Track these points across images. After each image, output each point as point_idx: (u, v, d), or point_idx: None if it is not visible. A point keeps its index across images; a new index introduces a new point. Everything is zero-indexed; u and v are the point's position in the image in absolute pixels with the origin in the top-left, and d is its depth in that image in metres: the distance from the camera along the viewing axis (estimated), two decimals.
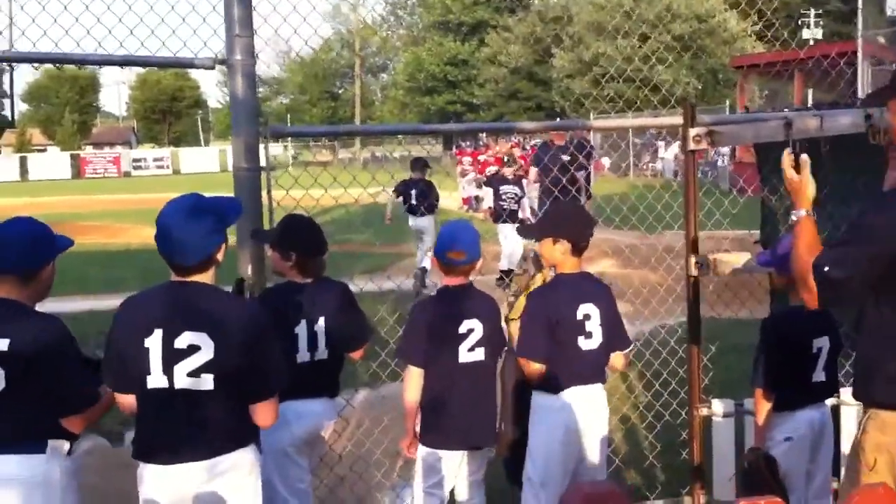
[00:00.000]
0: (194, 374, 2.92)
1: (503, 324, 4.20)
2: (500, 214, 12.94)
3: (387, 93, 75.53)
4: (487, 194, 12.78)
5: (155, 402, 2.98)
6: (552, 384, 3.89)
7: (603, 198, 14.73)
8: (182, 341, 2.90)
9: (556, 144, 12.96)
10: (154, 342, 2.91)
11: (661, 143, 35.92)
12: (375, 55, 76.95)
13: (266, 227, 4.04)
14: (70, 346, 3.16)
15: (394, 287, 6.72)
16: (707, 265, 3.91)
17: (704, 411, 4.05)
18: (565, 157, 12.47)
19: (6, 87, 79.07)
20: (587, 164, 14.11)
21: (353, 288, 5.07)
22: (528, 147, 27.45)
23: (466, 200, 22.11)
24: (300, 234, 3.97)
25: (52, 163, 57.28)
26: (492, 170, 17.64)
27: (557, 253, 3.95)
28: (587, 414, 3.93)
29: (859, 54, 22.67)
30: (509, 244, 12.37)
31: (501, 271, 12.39)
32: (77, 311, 10.75)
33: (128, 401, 3.08)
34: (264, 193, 4.00)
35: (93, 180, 51.41)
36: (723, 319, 7.00)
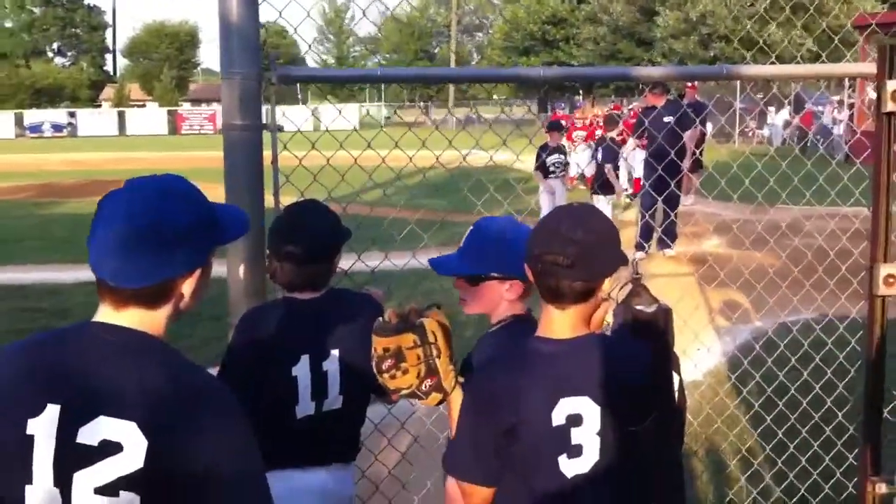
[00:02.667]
0: (108, 490, 1.66)
1: None
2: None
3: (483, 53, 74.13)
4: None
5: None
6: None
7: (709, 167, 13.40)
8: (92, 433, 1.66)
9: (655, 105, 11.68)
10: (43, 427, 1.67)
11: (770, 108, 33.99)
12: (472, 13, 75.52)
13: (268, 212, 2.93)
14: None
15: None
16: None
17: (883, 488, 2.82)
18: (668, 119, 11.21)
19: (108, 41, 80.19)
20: (703, 127, 12.85)
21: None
22: (627, 111, 25.91)
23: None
24: (287, 232, 2.79)
25: (149, 118, 57.81)
26: (580, 135, 16.38)
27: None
28: None
29: None
30: None
31: None
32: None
33: None
34: (268, 163, 2.88)
35: (188, 136, 51.62)
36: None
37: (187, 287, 1.80)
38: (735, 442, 4.79)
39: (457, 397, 2.32)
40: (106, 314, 1.77)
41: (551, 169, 12.50)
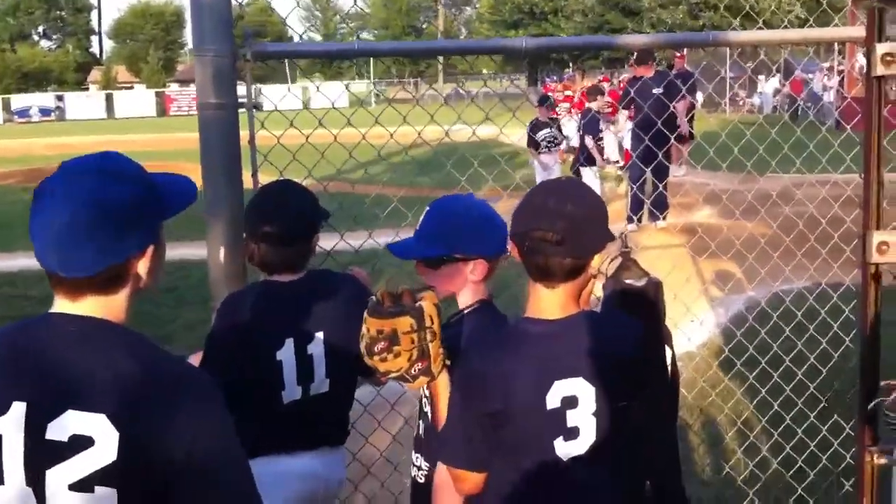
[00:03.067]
0: (82, 486, 1.59)
1: None
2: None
3: (471, 27, 73.72)
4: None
5: None
6: None
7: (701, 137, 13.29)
8: (61, 428, 1.59)
9: (643, 76, 11.56)
10: (10, 426, 1.60)
11: (760, 76, 33.84)
12: None
13: (246, 195, 2.82)
14: None
15: None
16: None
17: (882, 459, 2.79)
18: (657, 91, 11.10)
19: (93, 23, 79.62)
20: (692, 97, 12.82)
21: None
22: (616, 83, 25.77)
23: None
24: (264, 213, 2.71)
25: (137, 100, 57.46)
26: (564, 107, 16.23)
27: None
28: None
29: None
30: None
31: None
32: None
33: None
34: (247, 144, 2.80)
35: (177, 117, 51.32)
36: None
37: (142, 267, 1.72)
38: (731, 414, 4.75)
39: (443, 381, 2.26)
40: (63, 305, 1.69)
41: (543, 144, 12.31)
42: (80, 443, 1.59)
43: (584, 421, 2.16)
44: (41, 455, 1.60)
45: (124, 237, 1.67)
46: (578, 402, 2.14)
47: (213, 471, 1.66)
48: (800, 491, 4.14)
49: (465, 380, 2.17)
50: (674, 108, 11.06)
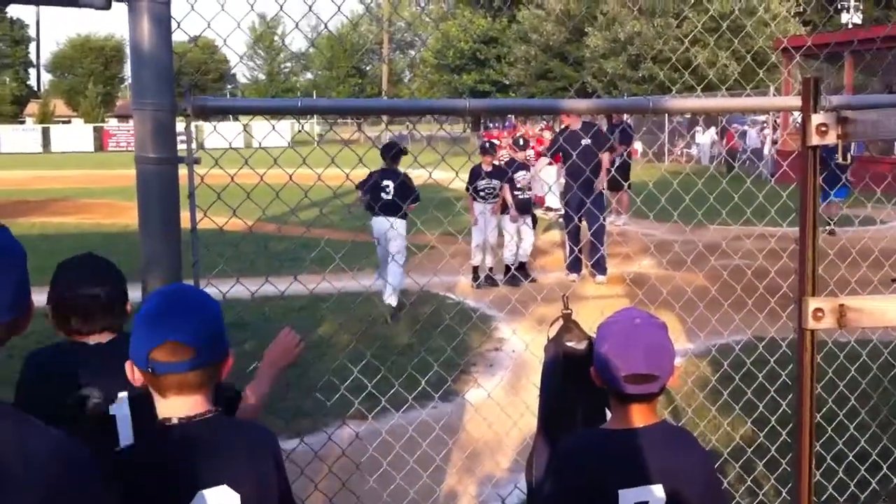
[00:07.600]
0: None
1: None
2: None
3: (415, 70, 74.28)
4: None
5: None
6: None
7: (636, 186, 13.47)
8: None
9: (571, 126, 11.68)
10: None
11: (698, 128, 34.60)
12: (405, 31, 75.71)
13: (189, 252, 2.75)
14: None
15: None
16: (833, 314, 2.64)
17: None
18: (585, 142, 11.26)
19: (32, 56, 78.45)
20: (622, 149, 13.06)
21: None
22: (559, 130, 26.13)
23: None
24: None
25: (74, 135, 56.58)
26: (503, 155, 16.07)
27: None
28: None
29: None
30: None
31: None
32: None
33: None
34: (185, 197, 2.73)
35: (115, 153, 50.64)
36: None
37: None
38: None
39: None
40: None
41: (482, 194, 11.68)
42: None
43: None
44: None
45: (19, 289, 1.66)
46: None
47: None
48: None
49: None
50: (601, 158, 11.28)
